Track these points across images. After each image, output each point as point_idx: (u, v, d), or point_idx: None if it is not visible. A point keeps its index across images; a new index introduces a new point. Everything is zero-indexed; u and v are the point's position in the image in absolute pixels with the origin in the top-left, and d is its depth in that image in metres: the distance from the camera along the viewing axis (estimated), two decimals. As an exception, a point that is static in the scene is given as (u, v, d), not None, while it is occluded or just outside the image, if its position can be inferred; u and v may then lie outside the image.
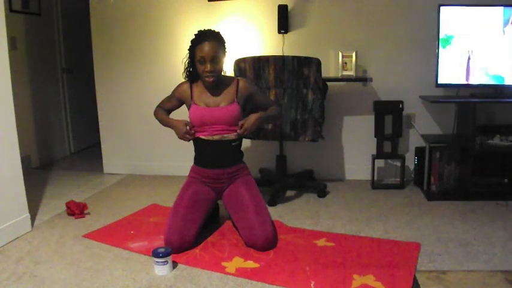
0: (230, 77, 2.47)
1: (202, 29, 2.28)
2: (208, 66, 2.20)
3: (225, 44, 2.30)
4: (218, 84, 2.31)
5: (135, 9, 3.54)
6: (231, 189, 2.34)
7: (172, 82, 2.52)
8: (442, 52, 2.93)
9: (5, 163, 2.36)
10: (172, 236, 2.15)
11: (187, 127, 2.29)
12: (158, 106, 2.49)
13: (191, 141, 2.36)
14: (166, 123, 2.41)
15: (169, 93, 2.47)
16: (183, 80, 2.41)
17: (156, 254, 1.95)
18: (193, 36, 2.27)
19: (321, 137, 2.92)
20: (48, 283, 1.90)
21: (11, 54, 2.42)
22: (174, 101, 2.43)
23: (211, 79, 2.24)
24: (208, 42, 2.18)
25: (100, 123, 3.81)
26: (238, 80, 2.39)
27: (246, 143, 3.41)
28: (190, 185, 2.35)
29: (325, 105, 2.92)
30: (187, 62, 2.34)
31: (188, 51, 2.29)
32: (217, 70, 2.24)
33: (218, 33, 2.28)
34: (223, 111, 2.28)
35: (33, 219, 2.61)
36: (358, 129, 3.38)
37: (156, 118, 2.46)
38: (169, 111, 2.47)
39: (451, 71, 2.95)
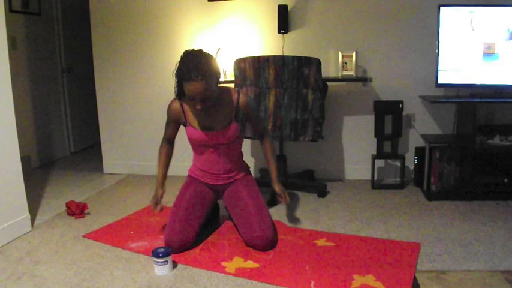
0: (228, 91, 2.24)
1: (190, 54, 2.02)
2: (199, 105, 2.05)
3: (218, 71, 2.08)
4: (213, 106, 2.17)
5: (135, 9, 3.54)
6: (231, 189, 2.34)
7: (172, 82, 2.52)
8: (442, 52, 2.93)
9: (5, 163, 2.36)
10: (172, 236, 2.14)
11: (156, 203, 2.28)
12: (163, 139, 2.38)
13: (189, 143, 2.34)
14: (157, 172, 2.37)
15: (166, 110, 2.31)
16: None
17: (156, 254, 1.95)
18: (181, 59, 2.02)
19: (321, 137, 2.92)
20: (48, 283, 1.90)
21: (11, 54, 2.42)
22: (172, 125, 2.31)
23: (201, 114, 2.18)
24: (196, 82, 1.95)
25: (100, 123, 3.81)
26: (238, 94, 2.23)
27: (246, 143, 3.41)
28: (190, 185, 2.35)
29: (325, 105, 2.92)
30: (177, 80, 2.10)
31: (176, 72, 2.05)
32: (208, 106, 2.08)
33: (207, 64, 1.99)
34: (223, 134, 2.21)
35: (33, 219, 2.61)
36: (358, 129, 3.38)
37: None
38: (174, 137, 2.38)
39: (451, 70, 2.95)
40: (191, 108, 2.20)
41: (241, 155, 2.42)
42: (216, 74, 2.06)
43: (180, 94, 2.16)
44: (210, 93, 2.03)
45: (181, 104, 2.23)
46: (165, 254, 1.95)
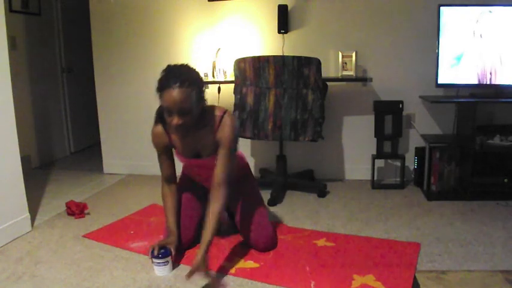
0: (212, 109, 1.97)
1: (172, 65, 1.87)
2: (175, 120, 1.79)
3: (201, 85, 1.87)
4: (195, 128, 1.93)
5: (135, 9, 3.54)
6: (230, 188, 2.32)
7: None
8: (442, 52, 2.93)
9: (5, 163, 2.36)
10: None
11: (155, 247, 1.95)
12: (162, 180, 2.16)
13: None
14: (167, 220, 2.12)
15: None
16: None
17: (155, 255, 1.94)
18: (162, 71, 1.87)
19: (321, 137, 2.91)
20: (48, 283, 1.90)
21: (11, 54, 2.42)
22: (163, 157, 2.09)
23: (179, 133, 1.91)
24: (173, 90, 1.74)
25: (100, 123, 3.81)
26: (223, 116, 1.94)
27: (246, 142, 3.41)
28: (185, 183, 2.31)
29: (325, 105, 2.93)
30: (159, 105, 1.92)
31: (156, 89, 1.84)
32: (186, 123, 1.81)
33: (189, 73, 1.84)
34: (211, 161, 1.99)
35: (33, 219, 2.61)
36: (358, 129, 3.38)
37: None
38: (173, 175, 2.16)
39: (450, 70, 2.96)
40: (173, 134, 1.99)
41: (239, 161, 2.30)
42: (198, 87, 1.84)
43: (161, 118, 1.94)
44: (189, 106, 1.78)
45: (163, 128, 2.01)
46: (165, 255, 1.94)
